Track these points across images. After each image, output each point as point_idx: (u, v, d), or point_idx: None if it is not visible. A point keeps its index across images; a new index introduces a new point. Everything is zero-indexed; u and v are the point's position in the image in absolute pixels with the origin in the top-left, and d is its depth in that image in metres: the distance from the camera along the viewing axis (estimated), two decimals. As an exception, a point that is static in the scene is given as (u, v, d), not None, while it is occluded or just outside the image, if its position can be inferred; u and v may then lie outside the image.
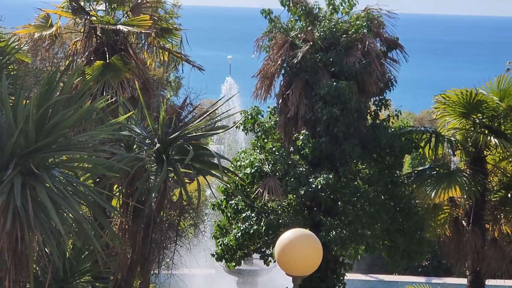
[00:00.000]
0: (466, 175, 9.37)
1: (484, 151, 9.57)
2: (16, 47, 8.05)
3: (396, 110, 9.97)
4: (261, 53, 9.51)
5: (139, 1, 9.11)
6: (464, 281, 10.05)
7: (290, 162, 9.59)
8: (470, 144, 9.57)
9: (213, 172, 7.22)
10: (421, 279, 12.40)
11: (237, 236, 9.37)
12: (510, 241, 9.54)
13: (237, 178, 8.58)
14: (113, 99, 7.92)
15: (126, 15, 9.00)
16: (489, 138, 9.23)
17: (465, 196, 9.33)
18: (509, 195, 9.49)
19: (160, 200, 7.20)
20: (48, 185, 5.12)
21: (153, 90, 8.71)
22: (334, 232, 9.24)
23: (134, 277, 7.62)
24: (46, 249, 5.62)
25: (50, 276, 5.74)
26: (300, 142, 9.34)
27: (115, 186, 7.31)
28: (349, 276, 10.84)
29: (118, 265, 7.21)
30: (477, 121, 9.52)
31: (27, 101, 5.47)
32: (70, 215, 5.34)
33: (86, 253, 6.79)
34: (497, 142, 9.22)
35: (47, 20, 9.15)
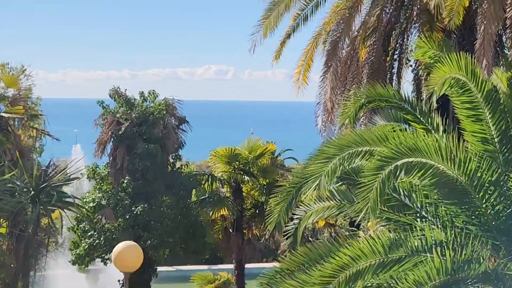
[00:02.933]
0: (231, 200, 22.31)
1: (241, 185, 22.66)
2: None
3: (187, 161, 22.62)
4: (97, 128, 21.40)
5: (15, 96, 20.49)
6: (231, 266, 23.21)
7: (119, 197, 21.51)
8: (232, 181, 22.59)
9: (70, 208, 18.81)
10: (205, 267, 26.45)
11: (85, 248, 21.08)
12: (258, 239, 22.83)
13: (84, 209, 20.43)
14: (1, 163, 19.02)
15: (7, 105, 20.23)
16: (244, 176, 22.30)
17: (230, 213, 22.25)
18: (257, 211, 22.68)
19: (34, 228, 18.32)
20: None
21: (28, 155, 20.16)
22: (149, 242, 21.30)
23: (17, 281, 18.78)
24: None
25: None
26: (125, 184, 21.33)
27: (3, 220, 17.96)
28: (160, 268, 23.52)
29: (6, 272, 18.33)
30: (236, 166, 22.56)
31: None
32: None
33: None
34: (248, 179, 22.33)
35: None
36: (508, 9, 10.33)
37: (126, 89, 22.92)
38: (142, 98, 22.95)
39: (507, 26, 10.64)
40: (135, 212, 21.61)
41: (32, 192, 17.94)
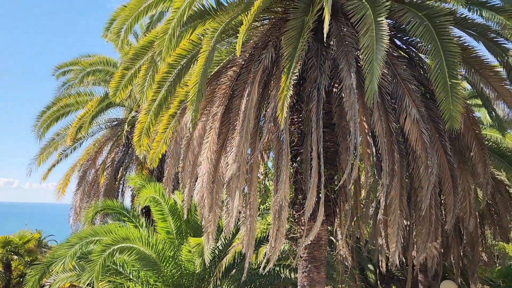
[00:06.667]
0: (2, 272, 37.98)
1: (11, 262, 38.62)
2: None
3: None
4: None
5: None
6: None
7: None
8: (5, 259, 38.50)
9: None
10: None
11: None
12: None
13: None
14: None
15: None
16: (13, 256, 38.33)
17: (1, 282, 37.86)
18: (22, 280, 38.59)
19: None
20: None
21: None
22: None
23: None
24: None
25: None
26: None
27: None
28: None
29: None
30: (8, 249, 38.49)
31: None
32: None
33: None
34: (17, 257, 38.34)
35: None
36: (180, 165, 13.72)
37: None
38: None
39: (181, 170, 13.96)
40: None
41: None
